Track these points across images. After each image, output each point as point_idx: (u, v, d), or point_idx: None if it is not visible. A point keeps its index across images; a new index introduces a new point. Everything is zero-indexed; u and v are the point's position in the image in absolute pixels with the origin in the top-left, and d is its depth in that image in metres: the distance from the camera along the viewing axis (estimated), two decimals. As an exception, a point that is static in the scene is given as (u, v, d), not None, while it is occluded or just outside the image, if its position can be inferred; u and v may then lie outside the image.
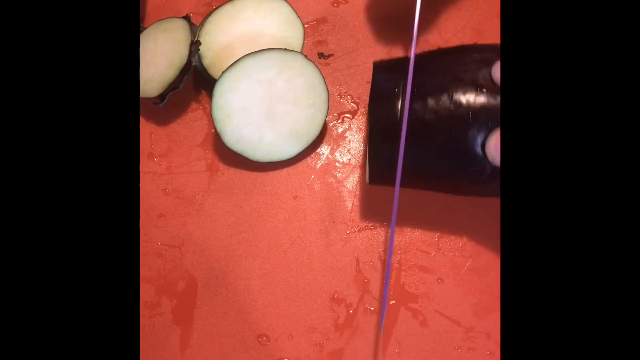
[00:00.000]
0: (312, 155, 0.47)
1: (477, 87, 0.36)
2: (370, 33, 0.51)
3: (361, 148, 0.47)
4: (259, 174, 0.47)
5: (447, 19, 0.51)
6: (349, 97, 0.49)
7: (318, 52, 0.51)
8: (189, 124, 0.49)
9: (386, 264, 0.39)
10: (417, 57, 0.40)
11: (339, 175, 0.47)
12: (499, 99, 0.36)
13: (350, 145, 0.47)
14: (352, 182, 0.46)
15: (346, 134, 0.48)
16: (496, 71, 0.36)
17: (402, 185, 0.40)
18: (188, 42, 0.45)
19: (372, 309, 0.42)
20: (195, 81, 0.50)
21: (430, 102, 0.37)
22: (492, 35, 0.50)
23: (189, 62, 0.45)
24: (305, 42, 0.50)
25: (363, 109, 0.49)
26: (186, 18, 0.47)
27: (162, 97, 0.46)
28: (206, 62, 0.47)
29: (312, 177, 0.47)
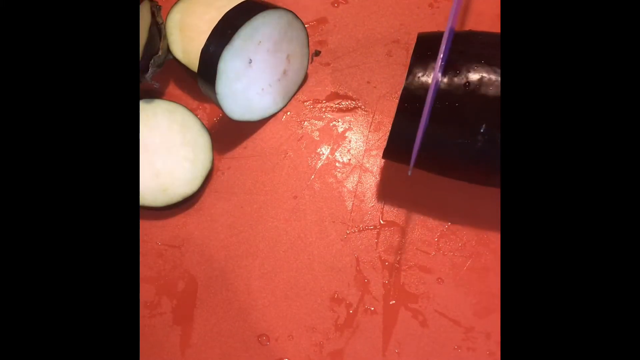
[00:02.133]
0: (312, 155, 0.47)
1: (479, 61, 0.37)
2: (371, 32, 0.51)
3: (362, 148, 0.47)
4: (259, 173, 0.47)
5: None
6: (349, 97, 0.49)
7: (315, 50, 0.51)
8: (189, 124, 0.49)
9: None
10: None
11: (339, 175, 0.47)
12: (498, 73, 0.37)
13: (350, 145, 0.47)
14: (352, 182, 0.46)
15: (346, 134, 0.48)
16: None
17: (394, 159, 0.42)
18: (149, 5, 0.46)
19: (372, 309, 0.42)
20: (193, 81, 0.50)
21: (430, 68, 0.38)
22: (489, 27, 0.50)
23: (154, 22, 0.46)
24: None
25: (363, 109, 0.49)
26: None
27: (144, 69, 0.46)
28: (172, 38, 0.48)
29: (312, 177, 0.47)
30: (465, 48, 0.39)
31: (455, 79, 0.37)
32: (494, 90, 0.37)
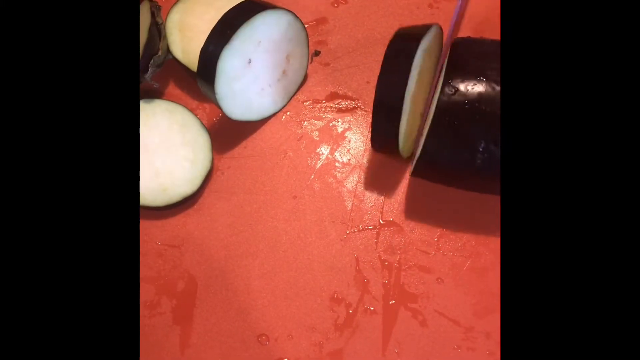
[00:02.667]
0: (312, 155, 0.47)
1: (477, 77, 0.37)
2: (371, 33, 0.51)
3: (362, 148, 0.47)
4: (259, 173, 0.47)
5: (448, 19, 0.51)
6: (348, 97, 0.49)
7: (315, 50, 0.51)
8: (189, 124, 0.49)
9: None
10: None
11: (339, 175, 0.47)
12: (497, 90, 0.36)
13: (350, 145, 0.47)
14: (352, 182, 0.46)
15: (346, 134, 0.48)
16: None
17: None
18: (148, 5, 0.46)
19: (372, 309, 0.42)
20: (193, 81, 0.50)
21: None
22: (492, 35, 0.50)
23: (154, 22, 0.46)
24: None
25: (363, 109, 0.49)
26: None
27: (144, 69, 0.46)
28: (171, 38, 0.48)
29: (312, 177, 0.47)
30: (464, 61, 0.38)
31: (454, 97, 0.37)
32: (493, 108, 0.36)
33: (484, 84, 0.37)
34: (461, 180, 0.41)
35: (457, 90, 0.37)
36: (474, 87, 0.37)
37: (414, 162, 0.41)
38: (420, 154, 0.39)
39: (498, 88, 0.37)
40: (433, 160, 0.39)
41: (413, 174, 0.42)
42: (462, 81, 0.37)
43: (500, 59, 0.37)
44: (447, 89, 0.37)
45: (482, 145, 0.37)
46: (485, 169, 0.38)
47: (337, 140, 0.48)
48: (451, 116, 0.37)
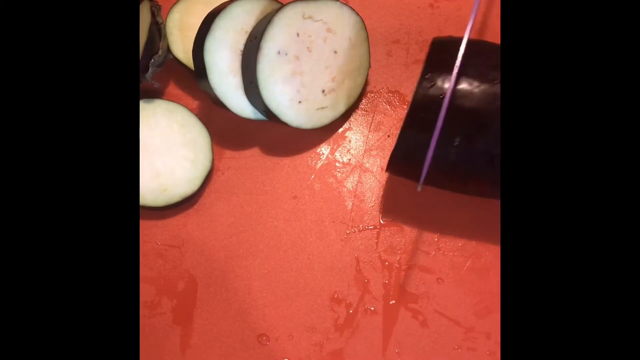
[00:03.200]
0: (312, 155, 0.47)
1: (455, 73, 0.37)
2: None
3: (362, 148, 0.47)
4: (259, 173, 0.47)
5: (448, 19, 0.51)
6: (349, 97, 0.49)
7: None
8: (189, 123, 0.48)
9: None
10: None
11: (339, 175, 0.47)
12: (474, 85, 0.37)
13: (351, 145, 0.47)
14: (352, 182, 0.46)
15: (346, 134, 0.48)
16: None
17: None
18: (148, 5, 0.46)
19: (373, 309, 0.42)
20: (193, 81, 0.50)
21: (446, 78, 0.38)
22: (492, 35, 0.50)
23: (154, 22, 0.46)
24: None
25: (363, 109, 0.49)
26: None
27: (144, 69, 0.46)
28: (172, 38, 0.48)
29: (312, 177, 0.47)
30: (442, 58, 0.38)
31: (431, 91, 0.37)
32: (469, 103, 0.36)
33: (461, 80, 0.37)
34: (434, 178, 0.41)
35: (434, 84, 0.37)
36: (451, 82, 0.37)
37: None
38: (395, 148, 0.39)
39: (475, 83, 0.37)
40: (407, 155, 0.39)
41: (387, 169, 0.42)
42: (440, 76, 0.37)
43: (480, 58, 0.38)
44: (424, 83, 0.37)
45: (457, 140, 0.37)
46: (460, 166, 0.38)
47: (337, 140, 0.48)
48: (427, 110, 0.37)
